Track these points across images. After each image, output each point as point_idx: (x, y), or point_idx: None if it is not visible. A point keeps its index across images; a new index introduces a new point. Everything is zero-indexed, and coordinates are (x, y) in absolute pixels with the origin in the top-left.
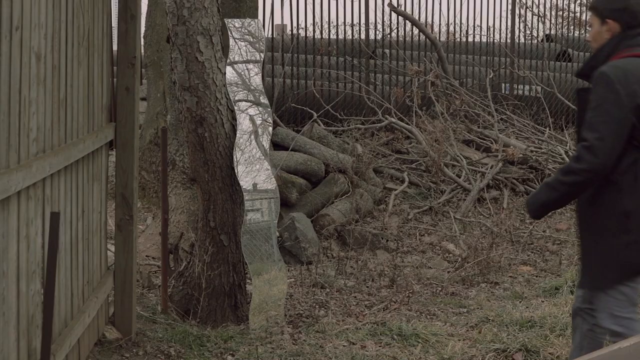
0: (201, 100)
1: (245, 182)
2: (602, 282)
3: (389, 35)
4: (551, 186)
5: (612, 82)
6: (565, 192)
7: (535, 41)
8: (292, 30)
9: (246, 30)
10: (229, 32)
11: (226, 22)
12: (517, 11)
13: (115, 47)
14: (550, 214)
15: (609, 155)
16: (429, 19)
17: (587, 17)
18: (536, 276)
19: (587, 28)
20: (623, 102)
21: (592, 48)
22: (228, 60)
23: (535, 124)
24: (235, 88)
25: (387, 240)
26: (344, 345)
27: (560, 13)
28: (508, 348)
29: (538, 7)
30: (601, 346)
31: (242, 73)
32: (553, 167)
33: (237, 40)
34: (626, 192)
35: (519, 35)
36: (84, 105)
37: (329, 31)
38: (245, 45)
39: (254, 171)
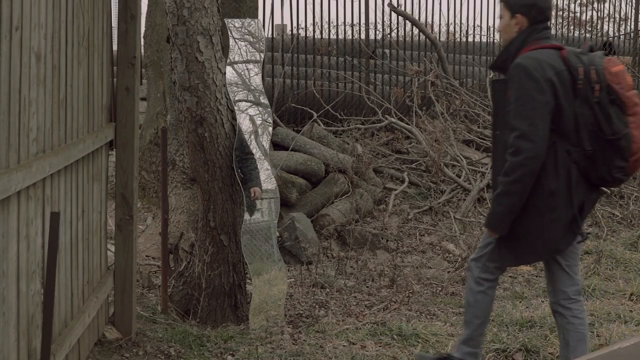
0: (201, 100)
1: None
2: (529, 258)
3: (389, 35)
4: (503, 194)
5: (530, 71)
6: (521, 189)
7: None
8: (292, 30)
9: (246, 30)
10: (229, 32)
11: (226, 22)
12: None
13: (115, 47)
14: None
15: (543, 137)
16: (429, 19)
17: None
18: (536, 276)
19: (588, 28)
20: (543, 88)
21: (502, 39)
22: (228, 60)
23: None
24: (235, 88)
25: (387, 240)
26: (344, 345)
27: (560, 13)
28: (508, 348)
29: None
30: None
31: (242, 73)
32: None
33: (237, 40)
34: (549, 172)
35: None
36: (84, 105)
37: (329, 31)
38: (245, 45)
39: None
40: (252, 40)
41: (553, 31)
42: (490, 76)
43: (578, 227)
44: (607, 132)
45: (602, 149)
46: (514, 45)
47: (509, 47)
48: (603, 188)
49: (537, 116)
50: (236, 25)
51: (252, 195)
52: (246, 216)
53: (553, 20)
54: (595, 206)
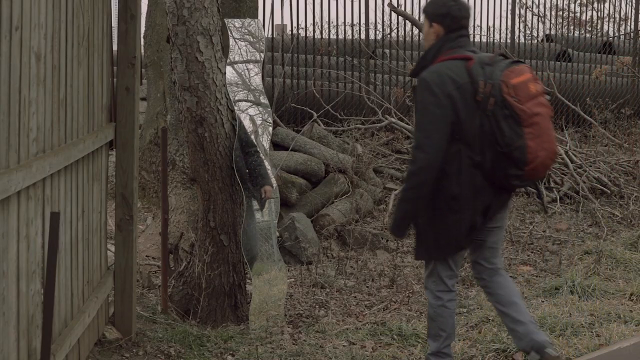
0: (201, 100)
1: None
2: (437, 254)
3: (389, 35)
4: (400, 200)
5: (431, 85)
6: (414, 196)
7: (535, 41)
8: (292, 30)
9: (246, 30)
10: (229, 32)
11: (226, 22)
12: (517, 11)
13: (115, 47)
14: (549, 213)
15: (437, 149)
16: None
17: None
18: (536, 276)
19: (588, 28)
20: (442, 102)
21: (425, 46)
22: (228, 60)
23: None
24: (235, 88)
25: (387, 240)
26: (344, 345)
27: (560, 13)
28: (508, 348)
29: (538, 7)
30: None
31: (242, 73)
32: (553, 167)
33: (237, 40)
34: (452, 178)
35: (519, 35)
36: (84, 105)
37: (329, 31)
38: (245, 45)
39: None
40: (252, 40)
41: (553, 31)
42: None
43: (481, 227)
44: (501, 144)
45: (498, 158)
46: (430, 54)
47: (426, 56)
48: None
49: (433, 129)
50: (236, 25)
51: (263, 195)
52: (258, 215)
53: (553, 21)
54: (506, 206)
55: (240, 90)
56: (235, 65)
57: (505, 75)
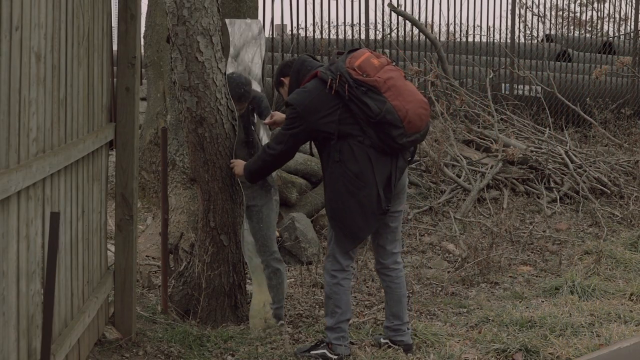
0: (201, 100)
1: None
2: (363, 234)
3: (389, 35)
4: (257, 158)
5: (295, 107)
6: (259, 168)
7: (535, 41)
8: (292, 30)
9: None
10: (229, 32)
11: (226, 22)
12: (517, 11)
13: (115, 47)
14: (549, 214)
15: (285, 146)
16: (429, 19)
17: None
18: (536, 276)
19: (588, 28)
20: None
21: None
22: (228, 60)
23: (535, 124)
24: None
25: None
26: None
27: (560, 13)
28: (508, 348)
29: (538, 7)
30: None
31: (244, 58)
32: (553, 167)
33: (237, 40)
34: (348, 162)
35: (519, 35)
36: (84, 105)
37: (329, 31)
38: (246, 45)
39: None
40: (252, 40)
41: (553, 31)
42: (490, 76)
43: (389, 196)
44: (371, 115)
45: (377, 128)
46: (292, 87)
47: (291, 87)
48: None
49: (286, 135)
50: (236, 25)
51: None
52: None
53: (553, 21)
54: (405, 173)
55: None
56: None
57: (348, 62)
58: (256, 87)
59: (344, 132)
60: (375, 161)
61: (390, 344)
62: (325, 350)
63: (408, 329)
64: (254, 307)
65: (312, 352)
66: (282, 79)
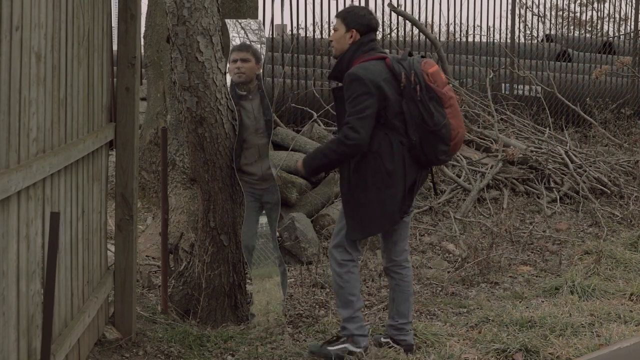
0: (201, 100)
1: None
2: (374, 229)
3: (389, 35)
4: (324, 154)
5: (361, 77)
6: (336, 160)
7: (535, 41)
8: (292, 30)
9: (246, 30)
10: (229, 32)
11: (226, 22)
12: (517, 11)
13: (115, 47)
14: (549, 214)
15: (368, 132)
16: (429, 19)
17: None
18: (536, 276)
19: (588, 28)
20: (371, 91)
21: (334, 49)
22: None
23: (535, 124)
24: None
25: None
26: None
27: (560, 13)
28: (508, 348)
29: (538, 7)
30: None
31: None
32: (553, 167)
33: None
34: (385, 157)
35: (519, 35)
36: (84, 105)
37: (329, 31)
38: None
39: None
40: (252, 40)
41: (553, 31)
42: (490, 76)
43: (409, 202)
44: (430, 124)
45: (427, 138)
46: (346, 58)
47: (342, 61)
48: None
49: (365, 115)
50: (236, 25)
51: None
52: (262, 220)
53: (553, 21)
54: (425, 182)
55: None
56: None
57: (423, 65)
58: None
59: (390, 125)
60: (409, 165)
61: (391, 342)
62: (346, 345)
63: (411, 329)
64: (256, 306)
65: (331, 348)
66: (353, 29)
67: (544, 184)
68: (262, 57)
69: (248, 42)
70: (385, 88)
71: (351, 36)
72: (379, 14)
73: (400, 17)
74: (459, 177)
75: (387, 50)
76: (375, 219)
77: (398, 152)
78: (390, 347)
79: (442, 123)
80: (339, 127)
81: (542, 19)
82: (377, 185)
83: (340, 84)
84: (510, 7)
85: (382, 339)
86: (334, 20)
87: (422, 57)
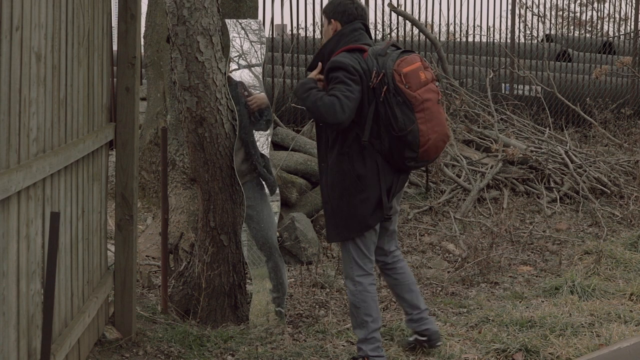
0: (201, 100)
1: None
2: (348, 234)
3: (389, 35)
4: (310, 98)
5: (346, 65)
6: (311, 109)
7: (535, 41)
8: (292, 30)
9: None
10: (229, 32)
11: (226, 22)
12: (517, 11)
13: (115, 47)
14: (549, 214)
15: (351, 113)
16: (429, 19)
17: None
18: (536, 276)
19: (588, 28)
20: (357, 80)
21: (322, 42)
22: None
23: (535, 124)
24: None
25: None
26: (343, 345)
27: (560, 13)
28: (508, 348)
29: (538, 7)
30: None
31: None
32: (553, 167)
33: (237, 40)
34: (356, 160)
35: (519, 35)
36: (84, 105)
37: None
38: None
39: None
40: (252, 40)
41: (553, 31)
42: (490, 76)
43: (385, 206)
44: (395, 129)
45: (394, 142)
46: (327, 47)
47: (323, 50)
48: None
49: (352, 98)
50: (236, 25)
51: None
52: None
53: (553, 21)
54: (405, 185)
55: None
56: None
57: (397, 64)
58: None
59: (355, 126)
60: (383, 168)
61: (418, 337)
62: None
63: (429, 316)
64: (256, 306)
65: None
66: (332, 20)
67: (544, 184)
68: (262, 57)
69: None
70: (364, 80)
71: (334, 28)
72: (379, 14)
73: (400, 17)
74: (459, 177)
75: (371, 43)
76: (347, 224)
77: (369, 155)
78: (419, 343)
79: (407, 129)
80: (316, 123)
81: (542, 19)
82: (348, 189)
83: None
84: (510, 7)
85: (410, 339)
86: None
87: (405, 51)
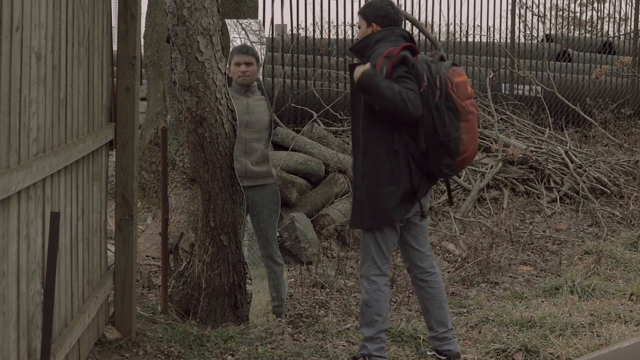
0: (201, 100)
1: None
2: (370, 223)
3: None
4: (386, 88)
5: (409, 61)
6: (385, 98)
7: (535, 41)
8: (292, 30)
9: (246, 30)
10: (230, 32)
11: (226, 22)
12: (517, 11)
13: (115, 47)
14: (549, 214)
15: (419, 108)
16: (429, 19)
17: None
18: (536, 276)
19: (588, 28)
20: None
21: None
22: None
23: (535, 124)
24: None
25: None
26: (343, 345)
27: (560, 13)
28: (508, 348)
29: (538, 7)
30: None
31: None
32: (553, 167)
33: (237, 40)
34: (391, 156)
35: (519, 35)
36: (84, 105)
37: (329, 31)
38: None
39: None
40: (252, 40)
41: (553, 31)
42: (490, 76)
43: (411, 204)
44: (440, 134)
45: (435, 147)
46: (374, 37)
47: (370, 37)
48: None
49: (415, 94)
50: (236, 25)
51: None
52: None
53: (553, 21)
54: (430, 191)
55: None
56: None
57: (450, 73)
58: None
59: (398, 125)
60: (413, 170)
61: (437, 355)
62: None
63: (453, 336)
64: (256, 306)
65: None
66: (373, 23)
67: (544, 184)
68: (262, 57)
69: (249, 44)
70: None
71: (372, 30)
72: None
73: None
74: (459, 177)
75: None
76: (371, 215)
77: (403, 155)
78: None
79: (452, 135)
80: (353, 107)
81: (542, 19)
82: (379, 181)
83: (357, 62)
84: (510, 7)
85: (428, 352)
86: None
87: (454, 64)
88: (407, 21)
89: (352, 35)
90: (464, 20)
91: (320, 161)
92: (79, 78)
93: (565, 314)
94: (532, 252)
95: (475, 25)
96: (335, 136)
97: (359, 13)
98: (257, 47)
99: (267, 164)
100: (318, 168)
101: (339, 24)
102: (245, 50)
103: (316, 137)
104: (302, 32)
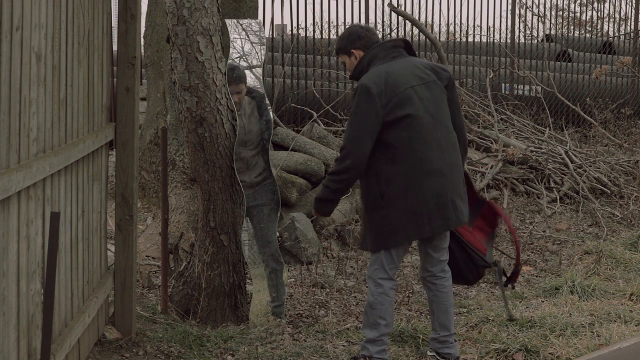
0: (201, 100)
1: None
2: (375, 245)
3: (389, 35)
4: (326, 185)
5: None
6: (337, 188)
7: (535, 41)
8: (292, 30)
9: (247, 30)
10: (230, 32)
11: (226, 22)
12: (517, 11)
13: (115, 47)
14: (549, 214)
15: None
16: (429, 19)
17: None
18: (536, 276)
19: (588, 28)
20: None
21: (350, 75)
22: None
23: (535, 124)
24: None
25: None
26: (343, 345)
27: (560, 13)
28: (508, 348)
29: (538, 7)
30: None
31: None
32: (553, 167)
33: (237, 40)
34: (381, 177)
35: (519, 35)
36: (84, 105)
37: (329, 31)
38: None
39: None
40: (253, 41)
41: (553, 31)
42: (490, 76)
43: (415, 225)
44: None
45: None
46: (364, 60)
47: (361, 62)
48: None
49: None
50: (237, 25)
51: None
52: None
53: (553, 21)
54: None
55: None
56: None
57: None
58: (257, 85)
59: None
60: (410, 189)
61: (437, 357)
62: None
63: (455, 340)
64: (256, 306)
65: None
66: (352, 50)
67: (544, 184)
68: (262, 57)
69: (235, 65)
70: None
71: (356, 58)
72: (379, 14)
73: (400, 17)
74: None
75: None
76: (374, 237)
77: (391, 178)
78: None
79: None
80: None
81: (542, 19)
82: (371, 206)
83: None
84: (510, 7)
85: (428, 352)
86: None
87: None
88: (407, 21)
89: None
90: (464, 20)
91: (320, 161)
92: (79, 78)
93: (565, 314)
94: (532, 252)
95: (475, 25)
96: (335, 136)
97: (336, 52)
98: (257, 48)
99: (267, 169)
100: (318, 168)
101: (339, 24)
102: (233, 79)
103: (316, 137)
104: (302, 32)
